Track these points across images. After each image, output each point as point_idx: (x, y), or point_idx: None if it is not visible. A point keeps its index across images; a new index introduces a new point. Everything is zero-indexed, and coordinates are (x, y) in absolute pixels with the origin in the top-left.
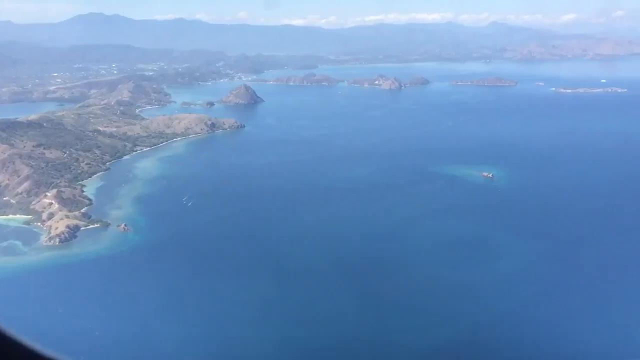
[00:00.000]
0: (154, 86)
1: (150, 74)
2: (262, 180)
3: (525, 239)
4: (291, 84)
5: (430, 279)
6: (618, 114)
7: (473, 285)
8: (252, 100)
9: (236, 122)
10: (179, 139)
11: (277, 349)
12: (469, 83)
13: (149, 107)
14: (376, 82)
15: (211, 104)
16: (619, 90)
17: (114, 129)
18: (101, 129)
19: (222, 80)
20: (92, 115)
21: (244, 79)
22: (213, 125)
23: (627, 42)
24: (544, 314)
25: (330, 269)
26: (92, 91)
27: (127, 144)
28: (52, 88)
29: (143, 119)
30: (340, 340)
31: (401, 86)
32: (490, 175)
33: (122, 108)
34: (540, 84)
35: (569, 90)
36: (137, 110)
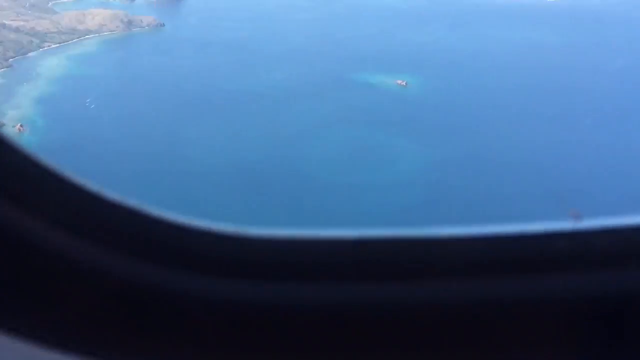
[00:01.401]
0: None
1: None
2: (172, 82)
3: (425, 145)
4: None
5: (326, 182)
6: (539, 23)
7: (366, 187)
8: None
9: (155, 21)
10: (91, 36)
11: None
12: None
13: (63, 0)
14: None
15: None
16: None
17: (21, 23)
18: (6, 22)
19: None
20: None
21: None
22: (130, 22)
23: None
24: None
25: (229, 173)
26: None
27: (34, 40)
28: None
29: (56, 12)
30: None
31: None
32: (404, 83)
33: (32, 0)
34: None
35: None
36: (50, 4)
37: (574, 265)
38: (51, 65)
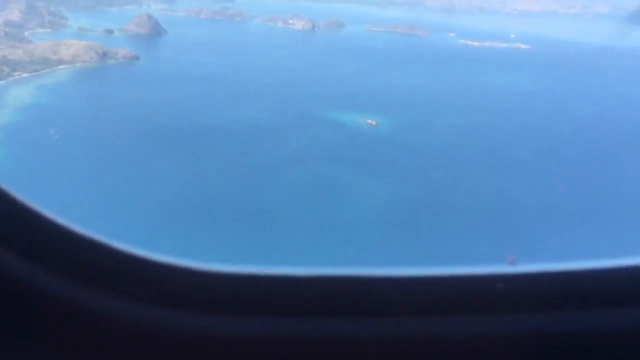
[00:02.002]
0: (51, 8)
1: None
2: (141, 115)
3: (387, 184)
4: (202, 16)
5: (288, 219)
6: (511, 69)
7: (322, 225)
8: (155, 30)
9: (130, 53)
10: (64, 66)
11: None
12: (383, 29)
13: (40, 30)
14: (290, 21)
15: (110, 31)
16: (522, 46)
17: None
18: None
19: (129, 6)
20: None
21: (153, 7)
22: (104, 54)
23: None
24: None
25: (192, 207)
26: None
27: (5, 68)
28: None
29: (30, 42)
30: None
31: (315, 27)
32: (374, 122)
33: (8, 29)
34: (452, 34)
35: (476, 43)
36: (26, 33)
37: (511, 306)
38: (19, 94)
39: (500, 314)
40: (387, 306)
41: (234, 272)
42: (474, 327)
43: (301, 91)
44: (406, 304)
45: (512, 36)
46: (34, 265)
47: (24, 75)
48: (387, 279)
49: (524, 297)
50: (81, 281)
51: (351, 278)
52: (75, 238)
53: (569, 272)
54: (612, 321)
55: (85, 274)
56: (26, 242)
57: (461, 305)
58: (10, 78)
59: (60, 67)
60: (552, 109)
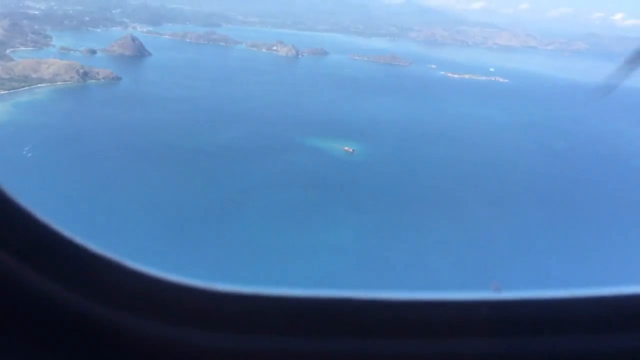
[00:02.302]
0: (36, 27)
1: (36, 12)
2: (119, 136)
3: (362, 213)
4: (187, 40)
5: (257, 243)
6: (489, 101)
7: (292, 251)
8: (139, 52)
9: (112, 74)
10: (44, 85)
11: None
12: (366, 58)
13: (23, 48)
14: (274, 47)
15: (93, 52)
16: (501, 80)
17: None
18: None
19: (114, 28)
20: None
21: (138, 29)
22: (85, 74)
23: (525, 34)
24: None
25: (163, 228)
26: None
27: None
28: None
29: (12, 60)
30: None
31: (298, 54)
32: (351, 150)
33: None
34: (432, 66)
35: (456, 75)
36: (7, 51)
37: (494, 331)
38: None
39: (485, 338)
40: (374, 328)
41: (231, 292)
42: (458, 350)
43: (280, 117)
44: (393, 326)
45: (492, 70)
46: (34, 271)
47: (2, 92)
48: (376, 302)
49: (507, 322)
50: (78, 290)
51: (341, 300)
52: (74, 248)
53: (550, 299)
54: (590, 347)
55: (81, 283)
56: (26, 247)
57: (447, 329)
58: None
59: (40, 85)
60: (526, 141)
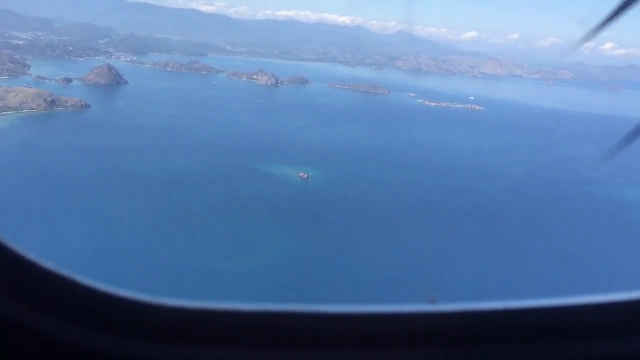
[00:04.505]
0: (16, 56)
1: (20, 42)
2: (75, 162)
3: (301, 235)
4: (169, 69)
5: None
6: (458, 128)
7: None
8: (114, 81)
9: (81, 102)
10: (9, 112)
11: None
12: (346, 87)
13: None
14: (254, 76)
15: (69, 80)
16: (477, 108)
17: None
18: None
19: (97, 57)
20: None
21: (122, 59)
22: (53, 102)
23: (511, 63)
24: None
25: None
26: None
27: None
28: None
29: None
30: None
31: (278, 83)
32: (306, 176)
33: None
34: (411, 94)
35: (433, 103)
36: None
37: (431, 341)
38: None
39: (422, 349)
40: (310, 340)
41: (190, 307)
42: None
43: (243, 144)
44: (329, 338)
45: (471, 98)
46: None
47: None
48: (313, 315)
49: (443, 333)
50: (40, 310)
51: (289, 314)
52: (45, 274)
53: (484, 310)
54: (524, 356)
55: (53, 307)
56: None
57: (386, 340)
58: None
59: (4, 113)
60: (486, 166)
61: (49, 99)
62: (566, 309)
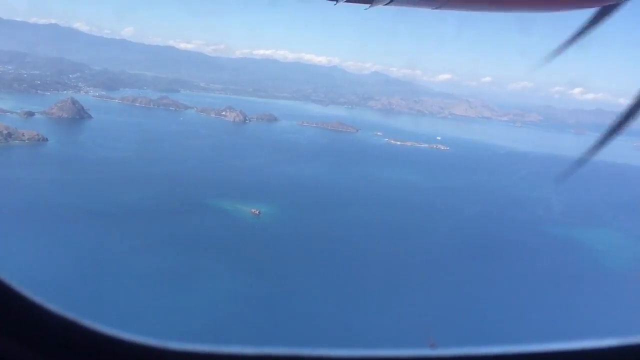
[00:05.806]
0: None
1: None
2: (25, 195)
3: (242, 274)
4: (137, 104)
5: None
6: (419, 167)
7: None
8: (78, 115)
9: (38, 135)
10: None
11: None
12: (314, 125)
13: None
14: (223, 113)
15: (31, 114)
16: (443, 148)
17: None
18: None
19: (65, 92)
20: None
21: (91, 93)
22: (9, 135)
23: (481, 105)
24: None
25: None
26: None
27: None
28: None
29: None
30: None
31: (246, 120)
32: (258, 212)
33: None
34: (378, 133)
35: (399, 142)
36: None
37: None
38: None
39: None
40: None
41: (195, 351)
42: None
43: (199, 179)
44: None
45: (438, 138)
46: None
47: None
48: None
49: None
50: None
51: (293, 358)
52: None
53: (485, 356)
54: None
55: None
56: None
57: None
58: None
59: None
60: (442, 204)
61: (5, 132)
62: (565, 354)
